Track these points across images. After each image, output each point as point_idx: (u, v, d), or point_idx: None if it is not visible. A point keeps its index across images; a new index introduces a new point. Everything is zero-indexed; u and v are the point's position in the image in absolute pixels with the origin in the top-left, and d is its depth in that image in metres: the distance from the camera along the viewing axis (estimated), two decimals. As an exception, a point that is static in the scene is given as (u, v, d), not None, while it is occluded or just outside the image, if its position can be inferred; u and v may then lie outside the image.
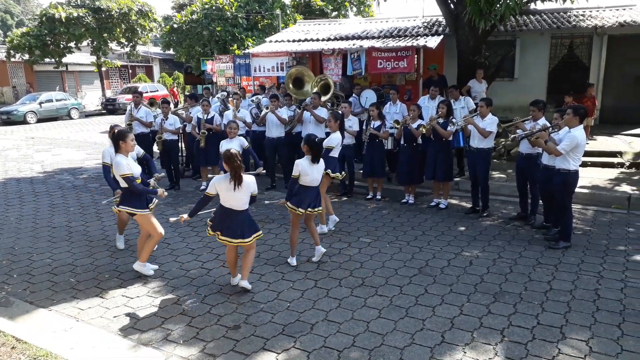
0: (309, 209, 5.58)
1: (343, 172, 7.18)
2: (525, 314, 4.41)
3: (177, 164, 9.50)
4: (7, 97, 30.78)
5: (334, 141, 6.69)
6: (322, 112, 8.79)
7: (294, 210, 5.53)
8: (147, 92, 24.87)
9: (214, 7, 24.07)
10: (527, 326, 4.20)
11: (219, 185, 4.67)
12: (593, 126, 12.08)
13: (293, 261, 5.65)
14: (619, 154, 9.81)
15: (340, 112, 7.95)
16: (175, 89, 30.13)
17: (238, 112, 9.12)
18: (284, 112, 9.12)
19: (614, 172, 9.11)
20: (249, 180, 4.72)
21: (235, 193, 4.65)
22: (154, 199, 5.51)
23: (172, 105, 12.51)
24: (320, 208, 5.76)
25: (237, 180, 4.59)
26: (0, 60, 29.77)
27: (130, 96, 18.32)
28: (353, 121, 8.30)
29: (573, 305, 4.54)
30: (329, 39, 13.37)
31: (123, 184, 5.23)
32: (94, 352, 3.98)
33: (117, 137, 5.22)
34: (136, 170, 5.31)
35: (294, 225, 5.65)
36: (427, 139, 7.63)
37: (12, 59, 27.36)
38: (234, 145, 7.10)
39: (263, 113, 9.10)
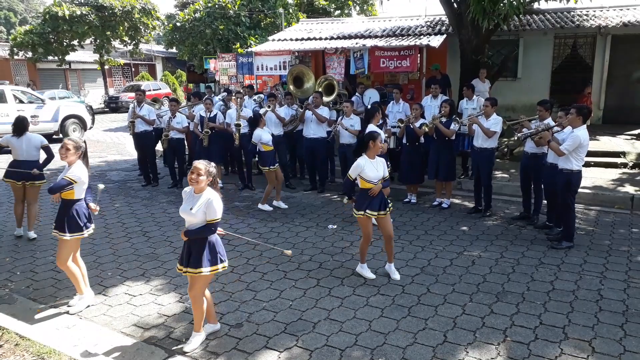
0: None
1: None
2: (528, 314, 4.40)
3: (182, 163, 9.53)
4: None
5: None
6: (324, 111, 8.79)
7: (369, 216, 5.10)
8: (149, 90, 24.91)
9: (216, 6, 24.07)
10: (530, 326, 4.20)
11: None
12: (596, 126, 12.07)
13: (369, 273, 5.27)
14: (622, 154, 9.78)
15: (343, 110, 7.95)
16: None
17: (241, 110, 9.11)
18: (283, 111, 9.14)
19: (617, 173, 9.09)
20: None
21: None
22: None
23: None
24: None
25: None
26: (3, 58, 29.83)
27: (133, 94, 18.37)
28: (355, 120, 8.30)
29: (576, 306, 4.54)
30: (332, 38, 13.36)
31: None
32: (96, 349, 3.99)
33: None
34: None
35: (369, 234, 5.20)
36: (430, 138, 7.63)
37: (16, 57, 27.42)
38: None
39: (262, 111, 9.11)
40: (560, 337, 4.02)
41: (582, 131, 5.63)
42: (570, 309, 4.48)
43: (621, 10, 13.81)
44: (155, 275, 5.42)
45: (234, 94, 10.10)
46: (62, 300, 4.83)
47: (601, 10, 13.93)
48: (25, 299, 4.91)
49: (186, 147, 10.45)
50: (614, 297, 4.70)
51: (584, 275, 5.18)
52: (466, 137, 8.23)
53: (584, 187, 7.41)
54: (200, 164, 3.82)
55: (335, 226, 6.91)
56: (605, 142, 10.69)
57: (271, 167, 7.70)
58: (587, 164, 7.84)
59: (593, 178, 8.59)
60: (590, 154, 7.56)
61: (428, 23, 14.11)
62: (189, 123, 9.34)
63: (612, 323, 4.23)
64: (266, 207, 7.75)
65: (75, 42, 27.96)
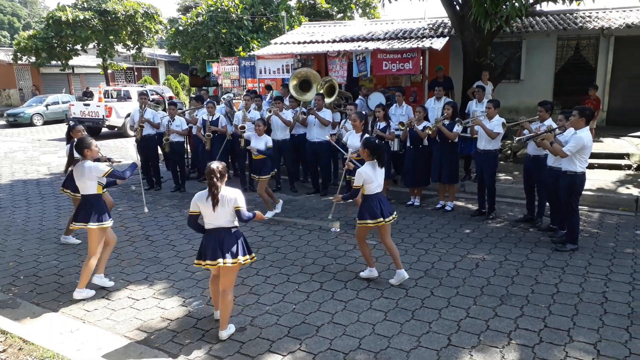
0: (385, 219, 5.01)
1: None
2: (532, 317, 4.38)
3: (183, 166, 9.53)
4: (14, 99, 31.01)
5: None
6: (327, 115, 8.77)
7: (369, 225, 5.01)
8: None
9: (219, 9, 24.13)
10: (534, 329, 4.18)
11: (198, 202, 4.08)
12: (600, 128, 12.02)
13: (374, 272, 5.29)
14: (626, 155, 9.74)
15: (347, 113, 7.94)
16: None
17: (248, 112, 9.10)
18: (289, 115, 9.11)
19: (621, 174, 9.05)
20: (231, 196, 4.01)
21: (214, 210, 4.00)
22: None
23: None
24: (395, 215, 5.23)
25: (213, 198, 3.95)
26: (7, 63, 30.01)
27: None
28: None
29: (580, 308, 4.51)
30: (334, 41, 13.37)
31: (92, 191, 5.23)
32: (100, 353, 3.99)
33: (82, 146, 5.06)
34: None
35: (362, 239, 5.18)
36: (433, 141, 7.61)
37: (19, 62, 27.58)
38: (261, 143, 7.46)
39: (267, 115, 9.09)
40: (565, 340, 4.00)
41: (585, 132, 5.61)
42: (575, 311, 4.46)
43: (624, 11, 13.78)
44: (159, 279, 5.41)
45: (241, 97, 10.09)
46: (66, 305, 4.83)
47: (604, 12, 13.90)
48: (28, 303, 4.92)
49: (188, 150, 10.49)
50: (619, 299, 4.67)
51: (589, 278, 5.15)
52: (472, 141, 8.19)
53: (587, 189, 7.38)
54: (213, 179, 3.92)
55: (338, 229, 6.89)
56: (609, 144, 10.65)
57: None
58: (590, 166, 7.82)
59: (597, 180, 8.55)
60: (594, 155, 7.54)
61: (430, 25, 14.10)
62: (189, 126, 9.34)
63: (618, 326, 4.21)
64: (271, 214, 7.68)
65: (78, 47, 28.16)
